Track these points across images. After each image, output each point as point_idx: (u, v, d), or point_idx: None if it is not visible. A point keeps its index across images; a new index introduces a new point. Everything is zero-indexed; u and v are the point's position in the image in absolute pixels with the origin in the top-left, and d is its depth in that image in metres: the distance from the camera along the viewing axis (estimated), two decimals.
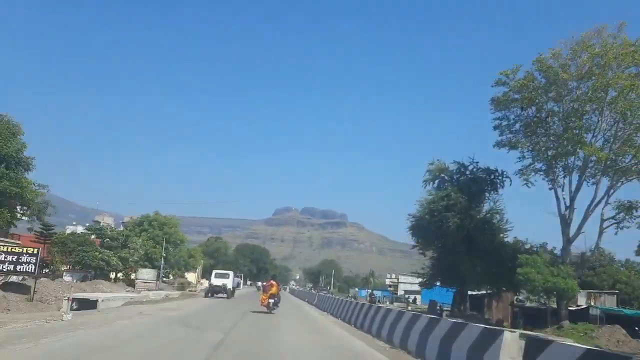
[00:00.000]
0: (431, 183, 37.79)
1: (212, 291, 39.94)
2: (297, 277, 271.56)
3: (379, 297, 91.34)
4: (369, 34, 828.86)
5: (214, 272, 43.93)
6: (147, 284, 40.73)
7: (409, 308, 53.69)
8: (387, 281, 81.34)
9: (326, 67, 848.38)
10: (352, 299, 40.65)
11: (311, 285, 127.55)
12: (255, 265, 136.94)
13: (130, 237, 53.15)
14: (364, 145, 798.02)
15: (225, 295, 39.31)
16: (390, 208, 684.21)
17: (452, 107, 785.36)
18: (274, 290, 25.25)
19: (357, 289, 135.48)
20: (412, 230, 38.69)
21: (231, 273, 43.93)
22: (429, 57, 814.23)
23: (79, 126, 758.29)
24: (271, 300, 24.60)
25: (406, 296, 75.12)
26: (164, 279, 55.12)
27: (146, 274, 42.96)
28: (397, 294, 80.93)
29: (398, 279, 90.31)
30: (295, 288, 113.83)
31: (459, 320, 12.94)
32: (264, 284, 28.70)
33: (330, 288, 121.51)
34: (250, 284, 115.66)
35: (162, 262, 48.00)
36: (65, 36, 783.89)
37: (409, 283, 77.10)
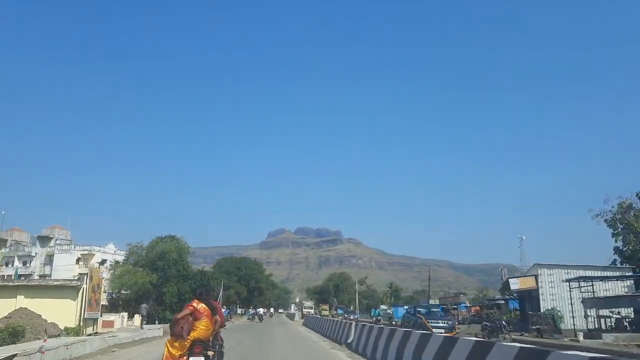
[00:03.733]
0: None
1: None
2: (297, 300, 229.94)
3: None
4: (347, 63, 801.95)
5: None
6: None
7: None
8: (514, 284, 35.72)
9: (308, 86, 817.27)
10: None
11: (325, 308, 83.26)
12: (245, 286, 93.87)
13: None
14: (354, 162, 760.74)
15: None
16: (384, 221, 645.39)
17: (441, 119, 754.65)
18: (201, 329, 7.97)
19: (385, 307, 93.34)
20: None
21: None
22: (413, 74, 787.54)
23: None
24: None
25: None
26: None
27: None
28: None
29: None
30: (310, 313, 71.32)
31: None
32: (177, 317, 8.36)
33: (354, 308, 78.93)
34: (242, 314, 73.70)
35: None
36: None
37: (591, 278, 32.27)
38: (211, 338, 8.27)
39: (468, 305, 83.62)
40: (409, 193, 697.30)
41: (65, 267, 63.92)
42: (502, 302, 68.43)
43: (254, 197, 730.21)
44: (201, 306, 8.10)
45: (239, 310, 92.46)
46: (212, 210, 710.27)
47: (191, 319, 7.94)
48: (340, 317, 48.75)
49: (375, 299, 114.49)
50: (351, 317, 51.84)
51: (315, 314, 78.82)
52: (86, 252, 68.29)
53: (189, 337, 7.77)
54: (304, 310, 77.08)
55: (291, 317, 68.90)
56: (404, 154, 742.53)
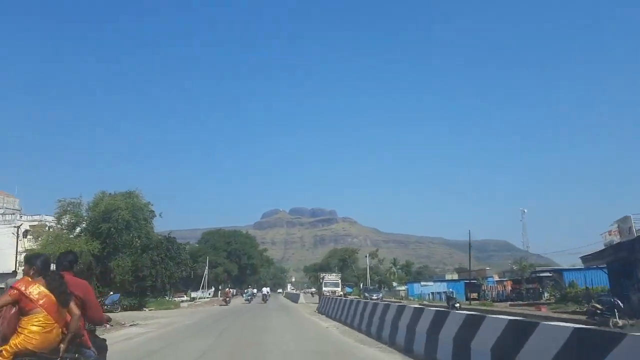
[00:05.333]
0: None
1: None
2: (294, 280, 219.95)
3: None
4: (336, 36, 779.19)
5: None
6: None
7: None
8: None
9: (299, 66, 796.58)
10: None
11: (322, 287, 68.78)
12: (236, 263, 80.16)
13: None
14: (347, 141, 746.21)
15: None
16: (378, 200, 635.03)
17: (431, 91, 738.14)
18: (32, 331, 3.88)
19: (396, 285, 79.92)
20: None
21: None
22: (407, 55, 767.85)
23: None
24: None
25: None
26: None
27: None
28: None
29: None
30: (337, 294, 44.98)
31: None
32: None
33: (364, 285, 65.11)
34: (237, 294, 59.00)
35: None
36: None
37: None
38: (62, 346, 4.05)
39: (496, 279, 70.93)
40: (403, 171, 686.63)
41: (9, 241, 49.74)
42: (549, 274, 55.36)
43: (248, 178, 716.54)
44: (36, 289, 4.02)
45: (232, 292, 78.75)
46: (204, 190, 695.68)
47: (14, 311, 3.97)
48: (353, 297, 35.03)
49: (381, 274, 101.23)
50: (373, 297, 38.25)
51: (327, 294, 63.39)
52: (36, 223, 53.84)
53: (5, 346, 3.86)
54: (324, 288, 47.67)
55: (293, 298, 52.64)
56: (397, 133, 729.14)
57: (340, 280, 52.65)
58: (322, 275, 52.61)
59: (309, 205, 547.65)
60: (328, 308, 22.96)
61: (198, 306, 39.07)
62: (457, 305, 24.09)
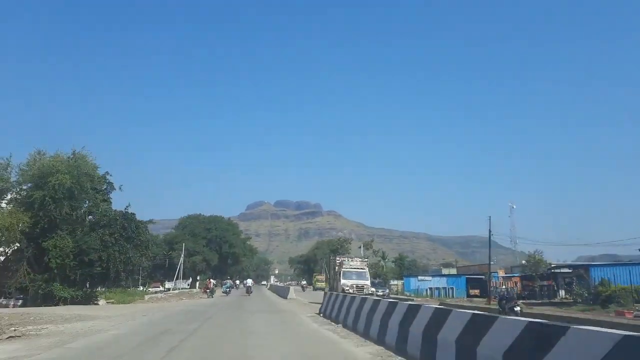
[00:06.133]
0: None
1: None
2: (277, 272, 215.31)
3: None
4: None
5: None
6: None
7: None
8: None
9: (288, 57, 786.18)
10: None
11: (321, 279, 62.15)
12: (217, 252, 72.61)
13: None
14: (333, 134, 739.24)
15: None
16: (363, 194, 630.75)
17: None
18: None
19: (391, 280, 73.35)
20: None
21: None
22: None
23: None
24: None
25: None
26: None
27: None
28: None
29: None
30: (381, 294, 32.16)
31: None
32: None
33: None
34: (215, 285, 50.43)
35: None
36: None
37: None
38: None
39: (501, 275, 64.85)
40: (388, 166, 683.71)
41: None
42: (568, 270, 49.29)
43: (233, 170, 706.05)
44: None
45: (210, 283, 70.61)
46: (187, 181, 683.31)
47: None
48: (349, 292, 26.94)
49: (373, 268, 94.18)
50: (379, 293, 31.33)
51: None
52: None
53: None
54: (343, 281, 29.36)
55: (281, 292, 43.59)
56: (382, 129, 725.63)
57: (367, 269, 32.84)
58: (338, 259, 32.27)
59: (294, 198, 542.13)
60: (340, 311, 14.45)
61: (162, 300, 31.63)
62: (518, 309, 16.94)
